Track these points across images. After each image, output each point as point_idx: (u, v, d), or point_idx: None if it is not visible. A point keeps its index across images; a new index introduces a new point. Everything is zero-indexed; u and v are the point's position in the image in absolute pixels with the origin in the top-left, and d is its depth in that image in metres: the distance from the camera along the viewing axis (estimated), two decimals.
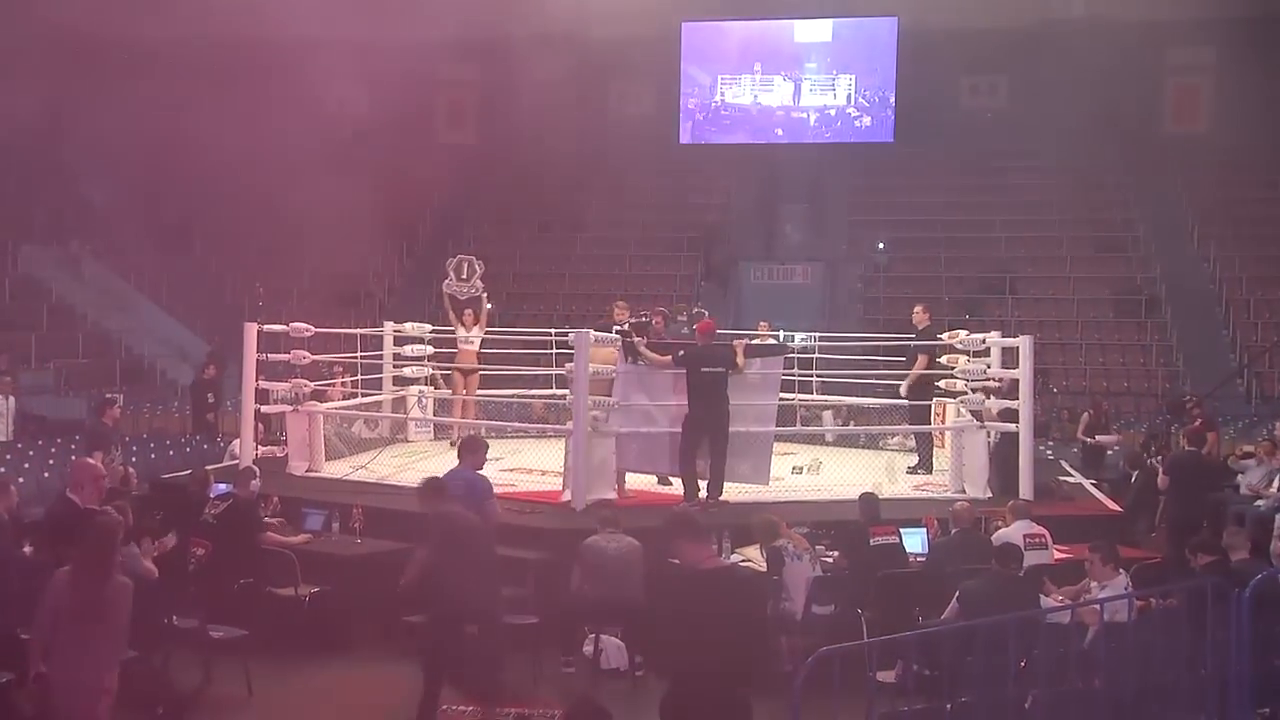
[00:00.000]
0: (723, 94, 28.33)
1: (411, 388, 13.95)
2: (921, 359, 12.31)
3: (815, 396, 13.58)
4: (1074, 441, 15.84)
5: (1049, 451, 15.31)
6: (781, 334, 16.56)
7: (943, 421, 12.55)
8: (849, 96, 27.78)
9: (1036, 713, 6.23)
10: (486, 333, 13.62)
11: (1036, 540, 8.86)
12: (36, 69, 19.66)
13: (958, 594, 7.51)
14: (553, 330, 13.59)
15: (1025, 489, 10.71)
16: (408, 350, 13.51)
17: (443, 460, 11.40)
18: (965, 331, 12.70)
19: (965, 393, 11.73)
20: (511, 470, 11.80)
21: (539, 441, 13.04)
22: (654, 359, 10.57)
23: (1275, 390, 20.79)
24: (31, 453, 13.72)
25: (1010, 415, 11.22)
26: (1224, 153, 25.31)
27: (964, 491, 10.94)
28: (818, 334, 14.64)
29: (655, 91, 28.49)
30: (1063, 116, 24.68)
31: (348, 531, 9.72)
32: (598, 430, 10.42)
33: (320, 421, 12.13)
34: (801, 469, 12.72)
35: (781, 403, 11.63)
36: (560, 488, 10.59)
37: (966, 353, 12.02)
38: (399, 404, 14.04)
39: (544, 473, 11.68)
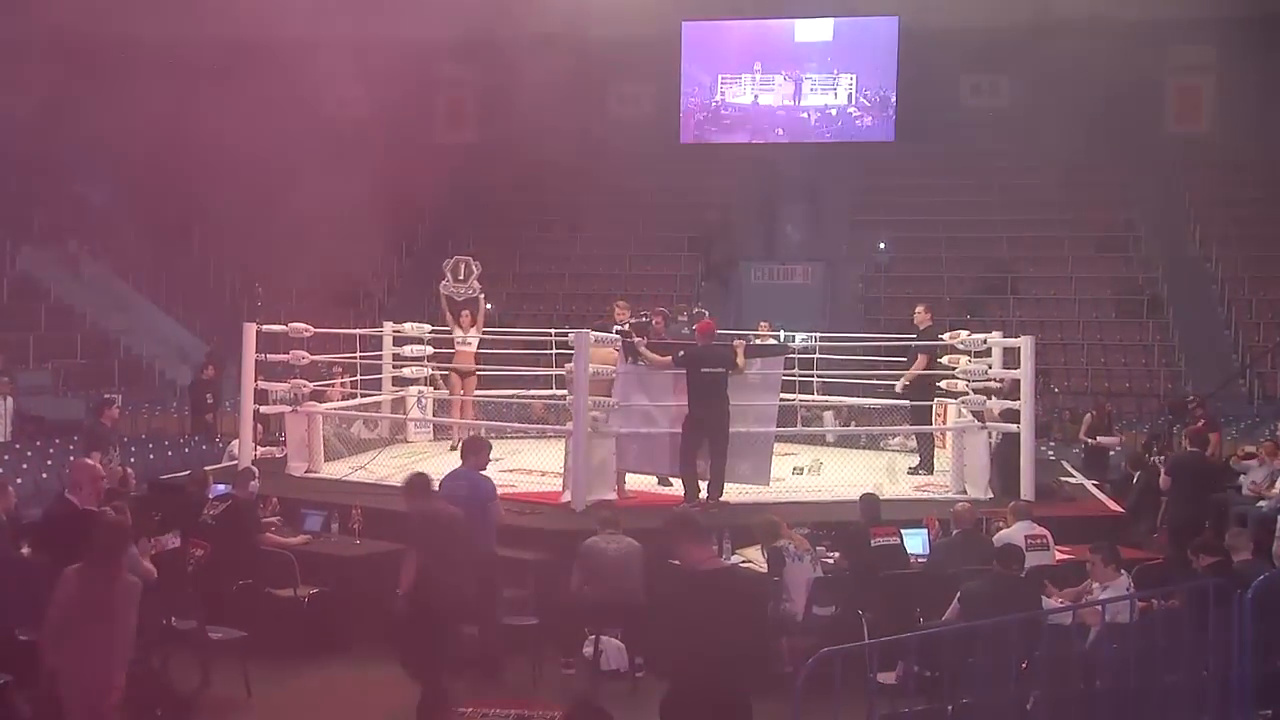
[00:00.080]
0: (723, 93, 28.31)
1: (411, 388, 13.92)
2: (921, 359, 12.28)
3: (816, 397, 13.55)
4: (1076, 442, 15.81)
5: (1050, 452, 15.28)
6: (782, 334, 16.53)
7: (944, 422, 12.52)
8: (850, 96, 27.76)
9: (1038, 714, 6.23)
10: (484, 333, 13.58)
11: (1038, 541, 8.85)
12: (35, 68, 19.63)
13: (959, 595, 7.50)
14: (552, 330, 13.55)
15: (1026, 490, 10.68)
16: (407, 351, 13.48)
17: (442, 461, 11.37)
18: (966, 332, 12.66)
19: (966, 393, 11.70)
20: (511, 471, 11.76)
21: (539, 442, 13.01)
22: (654, 359, 10.53)
23: (1277, 391, 20.76)
24: (29, 453, 13.71)
25: (1012, 416, 11.19)
26: (1225, 152, 25.34)
27: (965, 492, 10.92)
28: (818, 334, 14.62)
29: (655, 91, 28.48)
30: (1064, 116, 24.62)
31: (347, 532, 9.67)
32: (598, 431, 10.39)
33: (319, 422, 12.11)
34: (802, 470, 12.70)
35: (782, 403, 11.59)
36: (560, 488, 10.57)
37: (968, 353, 11.99)
38: (398, 404, 14.02)
39: (544, 473, 11.65)
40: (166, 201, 24.22)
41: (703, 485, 10.15)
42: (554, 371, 13.02)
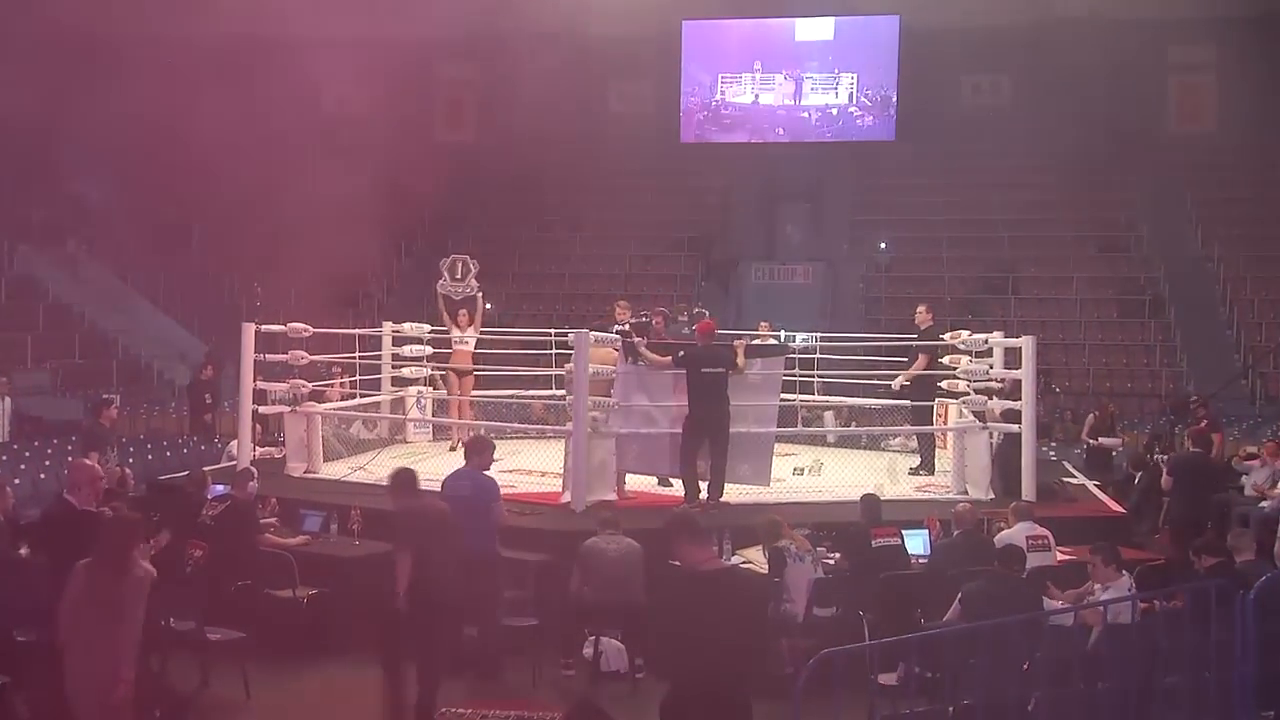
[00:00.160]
0: (723, 93, 28.27)
1: (410, 388, 13.89)
2: (922, 359, 12.25)
3: (816, 397, 13.53)
4: (1077, 443, 15.78)
5: (1052, 453, 15.26)
6: (782, 334, 16.50)
7: (945, 422, 12.50)
8: (850, 95, 27.72)
9: (1039, 715, 6.22)
10: (483, 333, 13.55)
11: (1039, 542, 8.82)
12: (33, 67, 19.61)
13: (960, 596, 7.47)
14: (552, 330, 13.52)
15: (1028, 490, 10.67)
16: (406, 350, 13.45)
17: (442, 461, 11.35)
18: (968, 332, 12.63)
19: (968, 393, 11.68)
20: (511, 471, 11.72)
21: (538, 442, 12.99)
22: (654, 359, 10.51)
23: (1279, 391, 20.74)
24: (28, 454, 13.70)
25: (1013, 416, 11.16)
26: (1227, 152, 25.30)
27: (966, 493, 10.90)
28: (819, 334, 14.59)
29: (655, 90, 28.45)
30: (1065, 115, 24.64)
31: (346, 533, 9.66)
32: (597, 431, 10.37)
33: (318, 422, 12.08)
34: (803, 470, 12.67)
35: (782, 403, 11.57)
36: (560, 489, 10.55)
37: (969, 353, 11.96)
38: (397, 405, 13.99)
39: (544, 474, 11.62)
40: (165, 201, 24.22)
41: (703, 486, 10.13)
42: (554, 371, 12.98)
